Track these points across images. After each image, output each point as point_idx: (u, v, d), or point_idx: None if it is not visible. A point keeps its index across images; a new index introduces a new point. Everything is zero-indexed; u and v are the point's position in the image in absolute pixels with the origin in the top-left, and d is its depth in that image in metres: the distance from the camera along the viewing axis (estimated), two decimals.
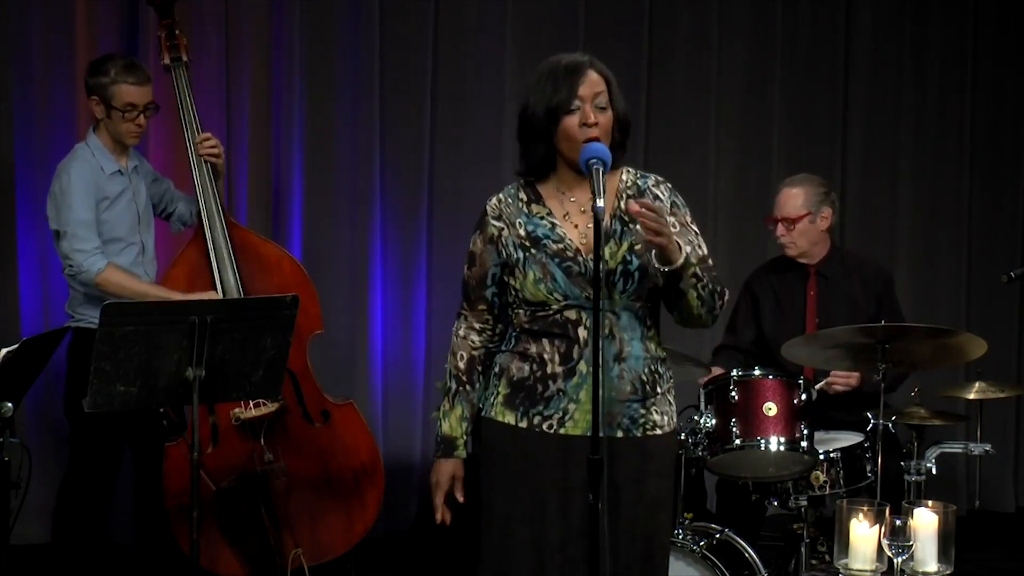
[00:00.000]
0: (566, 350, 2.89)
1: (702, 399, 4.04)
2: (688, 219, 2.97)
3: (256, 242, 4.37)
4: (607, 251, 2.85)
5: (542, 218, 2.95)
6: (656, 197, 2.95)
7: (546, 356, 2.91)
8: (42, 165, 4.83)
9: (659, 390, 2.94)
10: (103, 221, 4.12)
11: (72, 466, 4.19)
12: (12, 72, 4.94)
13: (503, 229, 2.97)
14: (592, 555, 2.75)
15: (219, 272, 4.20)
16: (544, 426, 2.91)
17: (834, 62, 6.24)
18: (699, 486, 4.39)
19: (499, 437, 2.96)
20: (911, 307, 5.67)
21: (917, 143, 6.37)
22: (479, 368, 3.03)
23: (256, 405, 4.12)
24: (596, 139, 2.84)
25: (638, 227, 2.76)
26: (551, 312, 2.90)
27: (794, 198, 4.52)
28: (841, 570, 2.83)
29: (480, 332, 3.03)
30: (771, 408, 3.91)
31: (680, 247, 2.79)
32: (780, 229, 4.54)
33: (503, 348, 3.00)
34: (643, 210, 2.69)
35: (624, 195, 2.94)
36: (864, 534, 2.79)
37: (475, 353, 3.03)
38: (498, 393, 2.97)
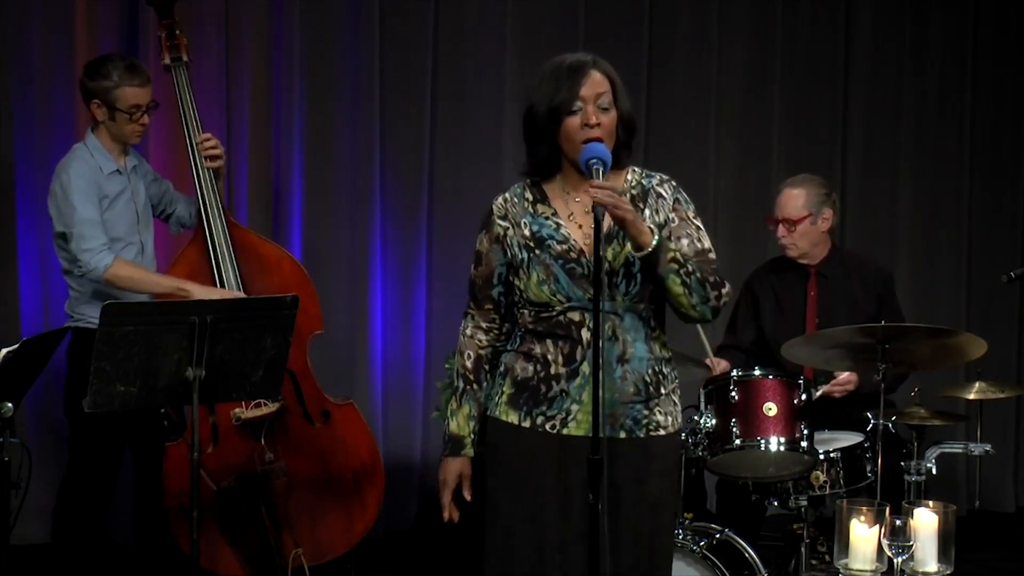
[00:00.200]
0: (569, 351, 2.89)
1: (702, 399, 4.04)
2: (691, 215, 2.97)
3: (256, 242, 4.37)
4: (610, 252, 2.85)
5: (547, 218, 2.95)
6: (659, 196, 2.95)
7: (550, 357, 2.91)
8: (42, 165, 4.83)
9: (663, 391, 2.94)
10: (103, 221, 4.12)
11: (72, 466, 4.19)
12: (12, 72, 4.94)
13: (508, 229, 2.97)
14: (592, 555, 2.75)
15: (219, 272, 4.20)
16: (547, 426, 2.92)
17: (834, 62, 6.24)
18: (699, 486, 4.39)
19: (503, 436, 2.97)
20: (911, 307, 5.67)
21: (917, 143, 6.37)
22: (486, 367, 3.03)
23: (256, 405, 4.12)
24: (597, 139, 2.83)
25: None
26: (554, 313, 2.91)
27: (795, 199, 4.52)
28: (841, 570, 2.83)
29: (487, 331, 3.04)
30: (771, 408, 3.91)
31: (652, 231, 2.79)
32: (781, 230, 4.54)
33: (508, 348, 3.01)
34: (598, 190, 2.70)
35: (628, 195, 2.94)
36: (864, 534, 2.79)
37: (482, 352, 3.03)
38: (502, 392, 2.98)
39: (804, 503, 4.07)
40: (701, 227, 2.97)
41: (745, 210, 6.01)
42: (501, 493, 2.96)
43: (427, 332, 5.61)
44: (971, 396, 4.29)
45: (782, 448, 3.90)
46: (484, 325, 3.04)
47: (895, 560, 2.77)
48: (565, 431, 2.90)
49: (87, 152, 4.17)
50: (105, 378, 3.24)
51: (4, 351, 3.45)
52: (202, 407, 3.72)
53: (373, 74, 5.45)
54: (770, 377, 3.99)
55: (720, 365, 4.33)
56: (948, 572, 2.81)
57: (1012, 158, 6.54)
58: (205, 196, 4.25)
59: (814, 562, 4.09)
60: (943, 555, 2.81)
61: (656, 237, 2.79)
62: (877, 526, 2.79)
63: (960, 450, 4.36)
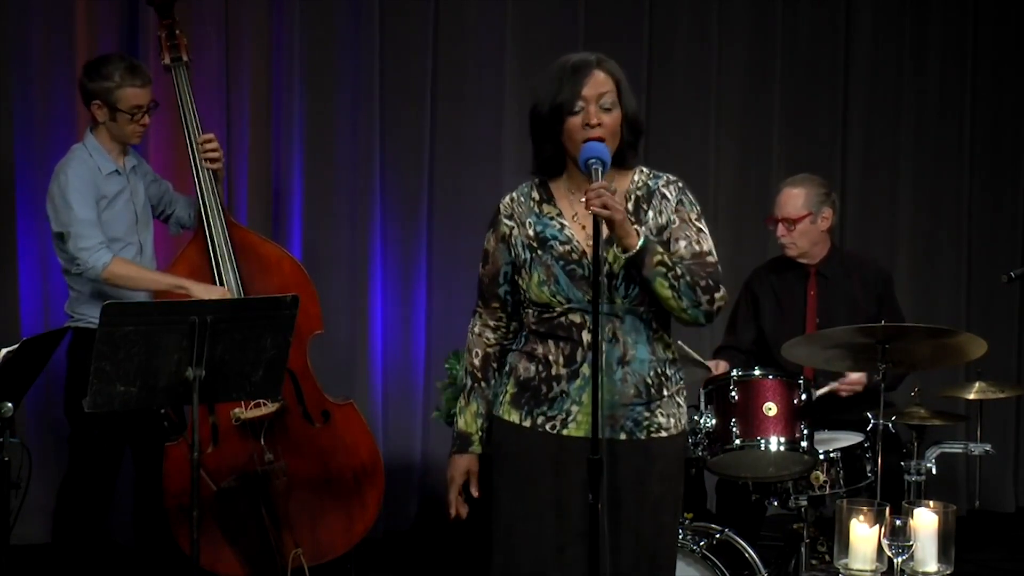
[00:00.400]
0: (570, 352, 2.90)
1: (702, 399, 4.04)
2: (693, 217, 2.96)
3: (256, 242, 4.37)
4: (611, 254, 2.85)
5: (552, 218, 2.95)
6: (664, 197, 2.95)
7: (551, 358, 2.92)
8: (42, 165, 4.83)
9: (665, 393, 2.94)
10: (101, 221, 4.12)
11: (72, 466, 4.19)
12: (12, 72, 4.94)
13: (514, 228, 2.97)
14: (591, 555, 2.75)
15: (219, 272, 4.20)
16: (547, 426, 2.92)
17: (834, 62, 6.24)
18: (699, 486, 4.38)
19: (505, 435, 2.98)
20: (911, 307, 5.67)
21: (917, 143, 6.37)
22: (494, 365, 3.05)
23: (256, 405, 4.12)
24: (598, 139, 2.83)
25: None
26: (555, 314, 2.91)
27: (795, 198, 4.52)
28: (841, 570, 2.83)
29: (495, 329, 3.05)
30: (771, 408, 3.91)
31: (639, 233, 2.79)
32: (781, 229, 4.54)
33: (514, 347, 3.02)
34: (591, 192, 2.71)
35: (634, 196, 2.94)
36: (864, 534, 2.79)
37: (490, 350, 3.05)
38: (506, 392, 2.99)
39: (804, 503, 4.07)
40: (703, 229, 2.96)
41: (745, 210, 6.01)
42: (504, 492, 2.97)
43: (427, 332, 5.61)
44: (971, 396, 4.29)
45: (782, 448, 3.90)
46: (492, 323, 3.05)
47: (895, 560, 2.77)
48: (565, 432, 2.91)
49: (86, 153, 4.17)
50: (105, 378, 3.24)
51: (4, 351, 3.45)
52: (202, 407, 3.72)
53: (373, 74, 5.45)
54: (770, 377, 3.98)
55: (719, 367, 4.33)
56: (948, 572, 2.81)
57: (1012, 158, 6.54)
58: (205, 196, 4.25)
59: (814, 562, 4.09)
60: (943, 555, 2.81)
61: (642, 239, 2.79)
62: (877, 526, 2.79)
63: (960, 450, 4.36)
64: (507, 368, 3.01)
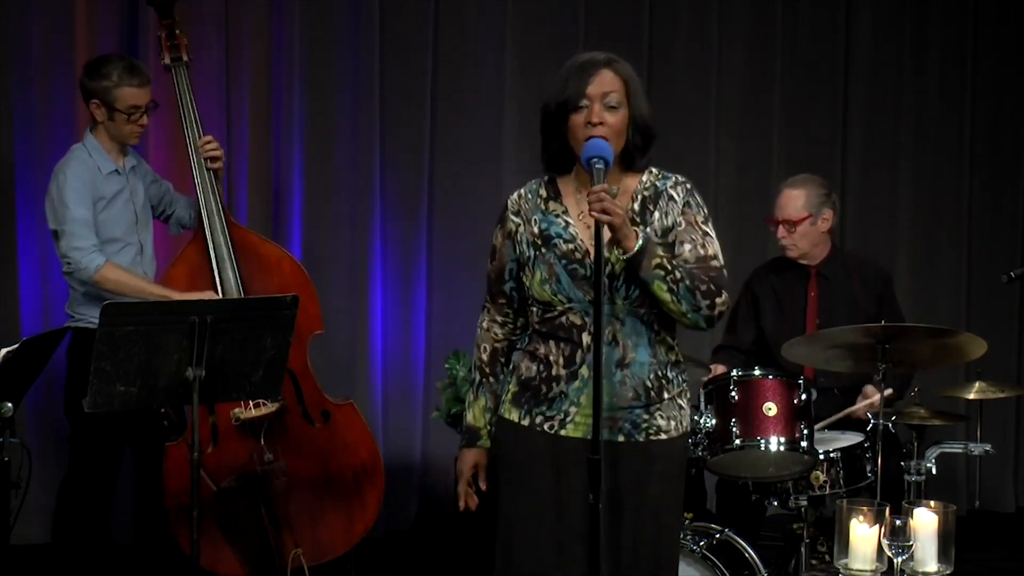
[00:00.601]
0: (570, 353, 2.90)
1: (702, 399, 4.04)
2: (699, 220, 2.95)
3: (256, 242, 4.37)
4: (613, 255, 2.85)
5: (557, 216, 2.95)
6: (671, 198, 2.95)
7: (552, 358, 2.92)
8: (42, 165, 4.82)
9: (666, 395, 2.94)
10: (100, 221, 4.12)
11: (72, 466, 4.19)
12: (12, 72, 4.94)
13: (520, 225, 2.98)
14: (591, 555, 2.75)
15: (219, 272, 4.20)
16: (545, 426, 2.93)
17: (834, 62, 6.24)
18: (699, 486, 4.39)
19: (506, 434, 2.99)
20: (911, 307, 5.67)
21: (917, 143, 6.37)
22: (502, 360, 3.06)
23: (256, 405, 4.13)
24: (600, 137, 2.83)
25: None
26: (556, 314, 2.91)
27: (795, 200, 4.52)
28: (841, 570, 2.83)
29: (502, 325, 3.05)
30: (771, 408, 3.91)
31: (637, 235, 2.79)
32: (781, 231, 4.54)
33: (519, 346, 3.02)
34: (592, 195, 2.71)
35: (640, 196, 2.94)
36: (864, 534, 2.79)
37: (498, 345, 3.06)
38: (508, 391, 3.00)
39: (804, 503, 4.07)
40: (709, 233, 2.95)
41: (745, 210, 6.01)
42: (504, 490, 2.98)
43: (427, 332, 5.61)
44: (971, 396, 4.28)
45: (782, 448, 3.90)
46: (499, 319, 3.06)
47: (895, 560, 2.77)
48: (563, 432, 2.91)
49: (85, 152, 4.17)
50: (105, 378, 3.24)
51: (4, 351, 3.45)
52: (202, 407, 3.73)
53: (373, 74, 5.45)
54: (770, 377, 3.98)
55: (716, 370, 4.32)
56: (948, 572, 2.81)
57: (1012, 158, 6.54)
58: (205, 196, 4.25)
59: (814, 562, 4.09)
60: (943, 555, 2.81)
61: (640, 241, 2.79)
62: (877, 526, 2.79)
63: (960, 450, 4.36)
64: (511, 367, 3.02)
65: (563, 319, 2.90)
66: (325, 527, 4.26)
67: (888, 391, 4.08)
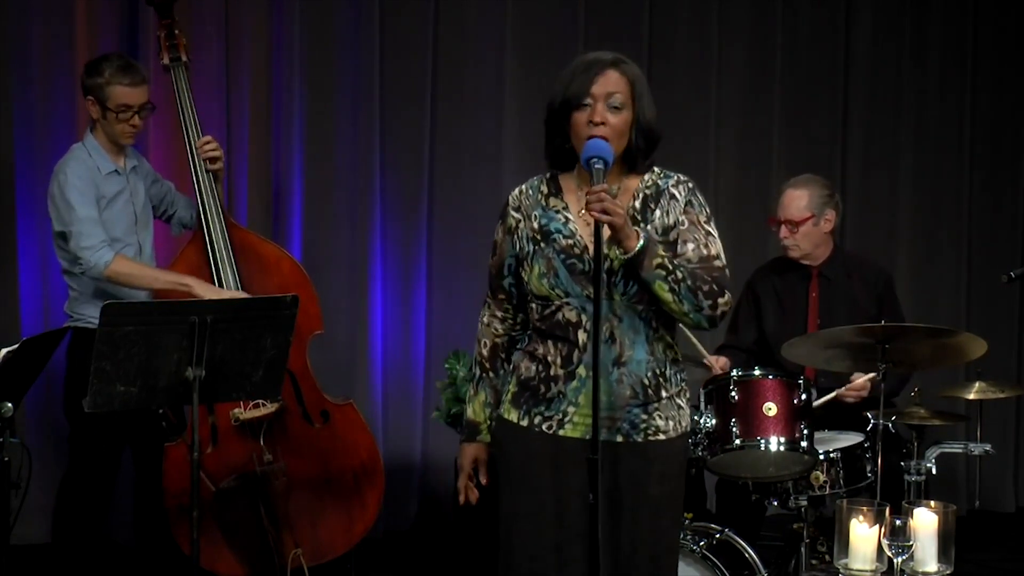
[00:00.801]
0: (567, 353, 2.90)
1: (702, 399, 4.04)
2: (702, 219, 2.95)
3: (256, 242, 4.37)
4: (612, 251, 2.85)
5: (557, 212, 2.95)
6: (672, 197, 2.95)
7: (550, 358, 2.92)
8: (42, 165, 4.82)
9: (664, 394, 2.93)
10: (101, 221, 4.12)
11: (72, 466, 4.19)
12: (12, 72, 4.94)
13: (520, 221, 2.98)
14: (591, 555, 2.75)
15: (218, 272, 4.20)
16: (544, 426, 2.93)
17: (834, 62, 6.24)
18: (699, 486, 4.39)
19: (505, 434, 3.00)
20: (911, 307, 5.67)
21: (917, 143, 6.37)
22: (502, 355, 3.07)
23: (255, 406, 4.12)
24: (601, 137, 2.83)
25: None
26: (553, 309, 2.91)
27: (798, 200, 4.51)
28: (841, 570, 2.83)
29: (502, 320, 3.06)
30: (771, 408, 3.91)
31: (638, 234, 2.79)
32: (783, 231, 4.54)
33: (519, 346, 3.03)
34: (591, 195, 2.71)
35: (642, 194, 2.94)
36: (864, 534, 2.80)
37: (498, 340, 3.06)
38: (508, 391, 3.00)
39: (804, 503, 4.07)
40: (712, 233, 2.95)
41: (745, 210, 6.01)
42: (504, 490, 2.99)
43: (427, 332, 5.61)
44: (971, 396, 4.28)
45: (782, 448, 3.90)
46: (499, 315, 3.06)
47: (895, 560, 2.77)
48: (561, 432, 2.91)
49: (85, 152, 4.17)
50: (105, 378, 3.24)
51: (4, 351, 3.45)
52: (201, 407, 3.72)
53: (373, 74, 5.45)
54: (770, 377, 3.98)
55: (719, 362, 4.33)
56: (948, 572, 2.81)
57: (1012, 158, 6.54)
58: (203, 196, 4.25)
59: (814, 562, 4.09)
60: (943, 555, 2.81)
61: (641, 241, 2.78)
62: (877, 526, 2.79)
63: (960, 450, 4.36)
64: (511, 366, 3.03)
65: (559, 315, 2.90)
66: (325, 527, 4.26)
67: (871, 375, 4.08)
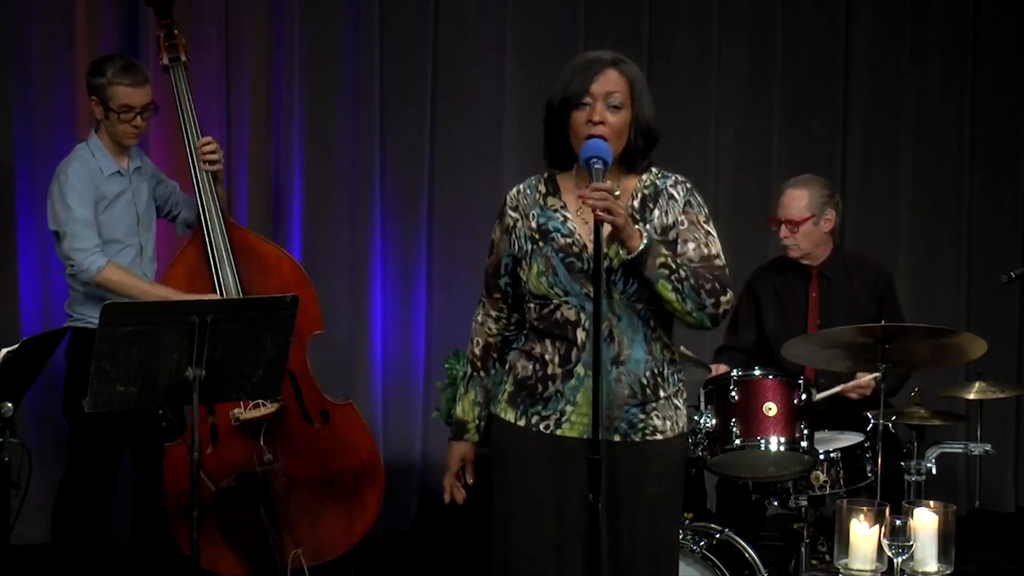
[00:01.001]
0: (565, 352, 2.90)
1: (702, 399, 4.04)
2: (701, 219, 2.95)
3: (255, 242, 4.37)
4: (612, 250, 2.85)
5: (556, 211, 2.95)
6: (671, 197, 2.95)
7: (547, 357, 2.92)
8: (42, 165, 4.83)
9: (662, 394, 2.93)
10: (101, 222, 4.12)
11: (71, 466, 4.19)
12: (12, 72, 4.94)
13: (518, 220, 2.98)
14: (592, 556, 2.75)
15: (218, 272, 4.20)
16: (541, 426, 2.92)
17: (834, 62, 6.24)
18: (699, 486, 4.39)
19: (502, 434, 2.99)
20: (911, 307, 5.67)
21: (917, 143, 6.37)
22: (495, 355, 3.07)
23: (255, 406, 4.12)
24: (600, 137, 2.83)
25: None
26: (552, 308, 2.91)
27: (798, 200, 4.51)
28: (841, 570, 2.83)
29: (496, 320, 3.06)
30: (771, 408, 3.91)
31: (641, 234, 2.79)
32: (784, 231, 4.54)
33: (515, 346, 3.02)
34: (590, 192, 2.70)
35: (640, 194, 2.94)
36: (864, 534, 2.79)
37: (491, 340, 3.06)
38: (505, 391, 2.99)
39: (804, 503, 4.07)
40: (711, 232, 2.95)
41: (745, 210, 6.01)
42: (501, 490, 2.98)
43: (427, 332, 5.61)
44: (971, 396, 4.28)
45: (782, 448, 3.90)
46: (493, 314, 3.06)
47: (895, 560, 2.77)
48: (559, 432, 2.91)
49: (88, 152, 4.17)
50: (105, 378, 3.24)
51: (4, 351, 3.45)
52: (201, 407, 3.72)
53: (373, 74, 5.45)
54: (770, 377, 3.98)
55: (718, 370, 4.32)
56: (948, 572, 2.81)
57: (1012, 158, 6.54)
58: (203, 197, 4.25)
59: (814, 562, 4.09)
60: (943, 555, 2.81)
61: (644, 241, 2.78)
62: (877, 526, 2.79)
63: (960, 450, 4.36)
64: (507, 366, 3.02)
65: (558, 314, 2.90)
66: (325, 527, 4.26)
67: (875, 374, 4.09)
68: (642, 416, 2.90)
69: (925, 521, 2.80)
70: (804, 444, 3.91)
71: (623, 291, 2.88)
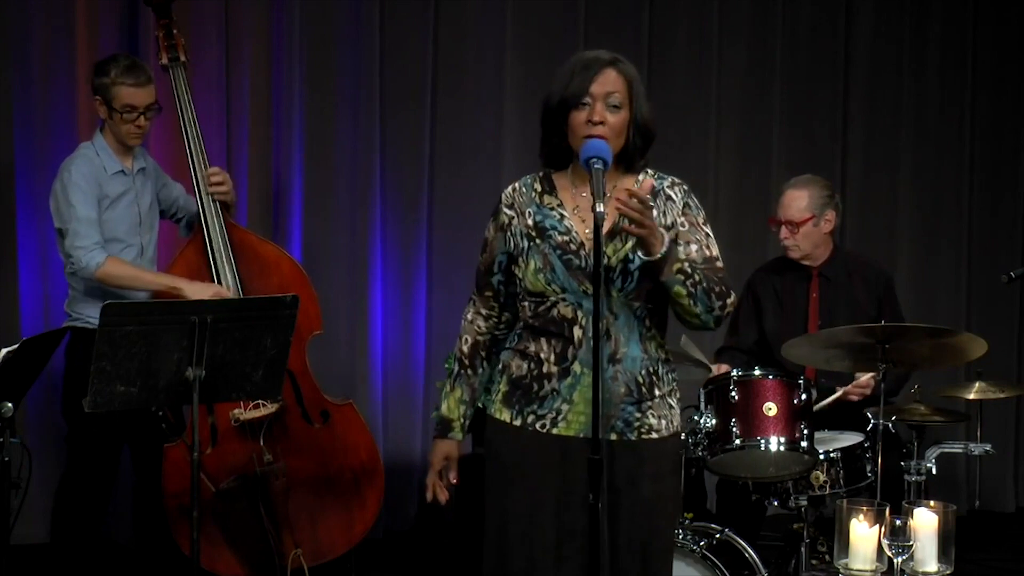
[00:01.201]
0: (562, 350, 2.90)
1: (702, 399, 4.04)
2: (700, 221, 2.96)
3: (255, 242, 4.37)
4: (610, 248, 2.85)
5: (552, 209, 2.95)
6: (669, 198, 2.95)
7: (543, 355, 2.92)
8: (42, 165, 4.83)
9: (657, 393, 2.93)
10: (103, 221, 4.12)
11: (70, 466, 4.19)
12: (12, 73, 4.94)
13: (513, 218, 2.98)
14: (591, 556, 2.75)
15: (218, 272, 4.20)
16: (537, 425, 2.92)
17: (834, 62, 6.24)
18: (699, 486, 4.38)
19: (496, 434, 2.99)
20: (911, 307, 5.67)
21: (917, 143, 6.37)
22: (483, 353, 3.06)
23: (255, 406, 4.12)
24: (599, 137, 2.83)
25: (623, 220, 2.74)
26: (548, 305, 2.90)
27: (798, 200, 4.51)
28: (841, 570, 2.83)
29: (486, 318, 3.05)
30: (771, 408, 3.91)
31: (663, 239, 2.79)
32: (784, 231, 4.54)
33: (508, 345, 3.01)
34: (628, 199, 2.68)
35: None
36: (864, 534, 2.79)
37: (480, 338, 3.05)
38: (499, 390, 2.99)
39: (804, 503, 4.07)
40: (710, 234, 2.96)
41: (745, 210, 6.01)
42: (495, 490, 2.98)
43: (427, 332, 5.61)
44: (971, 396, 4.28)
45: (782, 448, 3.90)
46: (484, 312, 3.06)
47: (895, 560, 2.77)
48: (555, 431, 2.91)
49: (93, 151, 4.18)
50: (105, 378, 3.24)
51: (4, 351, 3.45)
52: (201, 408, 3.72)
53: (373, 74, 5.45)
54: (770, 377, 3.98)
55: (720, 370, 4.32)
56: (948, 572, 2.81)
57: (1012, 158, 6.55)
58: (203, 197, 4.25)
59: (814, 562, 4.09)
60: (943, 555, 2.81)
61: (664, 247, 2.78)
62: (877, 526, 2.79)
63: (960, 450, 4.36)
64: (500, 366, 3.01)
65: (554, 311, 2.90)
66: (325, 527, 4.26)
67: (871, 374, 4.09)
68: (638, 414, 2.90)
69: (925, 521, 2.80)
70: (804, 444, 3.91)
71: (621, 289, 2.88)
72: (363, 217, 5.48)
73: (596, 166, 2.76)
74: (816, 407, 4.08)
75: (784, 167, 5.92)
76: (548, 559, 2.89)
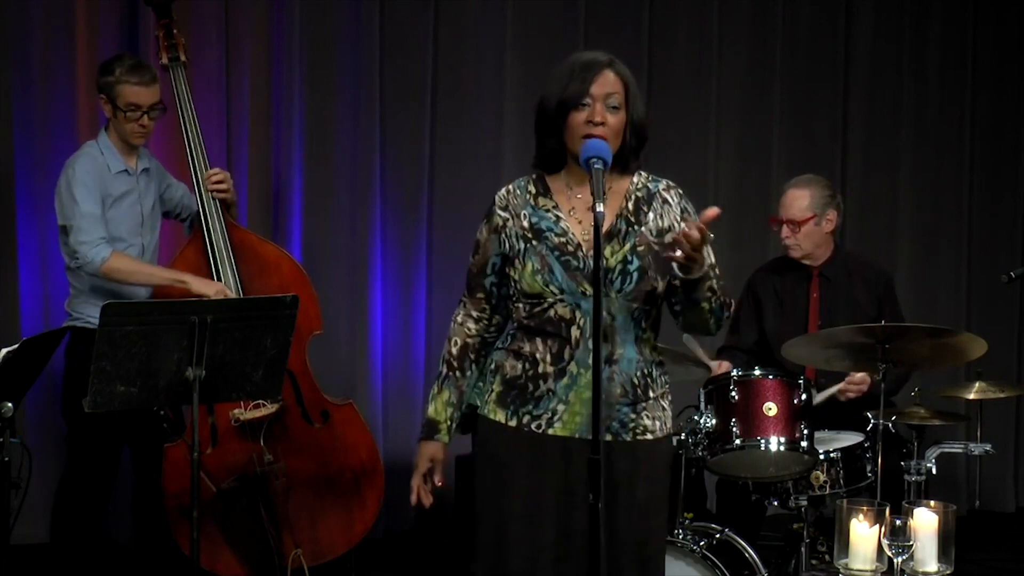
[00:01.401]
0: (558, 350, 2.89)
1: (702, 399, 4.04)
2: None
3: (255, 242, 4.37)
4: (608, 250, 2.85)
5: (547, 211, 2.95)
6: (665, 201, 2.95)
7: (538, 355, 2.91)
8: (42, 165, 4.83)
9: (651, 394, 2.93)
10: (106, 219, 4.12)
11: (70, 466, 4.19)
12: (12, 73, 4.94)
13: (508, 220, 2.97)
14: (591, 556, 2.74)
15: (218, 272, 4.21)
16: (533, 426, 2.92)
17: (834, 62, 6.24)
18: (699, 486, 4.38)
19: (491, 435, 2.98)
20: (911, 307, 5.67)
21: (917, 143, 6.37)
22: (472, 356, 3.05)
23: (255, 406, 4.13)
24: (599, 137, 2.83)
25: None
26: (545, 306, 2.90)
27: (799, 200, 4.51)
28: (841, 570, 2.83)
29: (477, 320, 3.05)
30: (771, 408, 3.91)
31: (704, 262, 2.77)
32: (785, 231, 4.54)
33: (500, 345, 3.01)
34: (694, 232, 2.66)
35: (633, 196, 2.95)
36: (864, 534, 2.79)
37: (469, 340, 3.05)
38: (492, 391, 2.98)
39: (804, 503, 4.07)
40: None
41: (745, 210, 6.01)
42: (489, 491, 2.97)
43: (427, 332, 5.61)
44: (971, 396, 4.28)
45: (782, 448, 3.90)
46: (475, 314, 3.05)
47: (895, 560, 2.77)
48: (551, 431, 2.90)
49: (97, 150, 4.19)
50: (105, 378, 3.24)
51: (4, 351, 3.45)
52: (201, 407, 3.72)
53: (373, 74, 5.45)
54: (770, 377, 3.98)
55: (722, 367, 4.32)
56: (948, 572, 2.81)
57: (1012, 158, 6.55)
58: (203, 196, 4.26)
59: (814, 562, 4.09)
60: (943, 555, 2.81)
61: (705, 268, 2.77)
62: (877, 526, 2.79)
63: (960, 450, 4.36)
64: (492, 367, 3.00)
65: (551, 312, 2.89)
66: (325, 527, 4.26)
67: (864, 373, 4.10)
68: (633, 415, 2.91)
69: (925, 521, 2.80)
70: (804, 444, 3.91)
71: (619, 290, 2.88)
72: (363, 217, 5.48)
73: (596, 166, 2.76)
74: (814, 402, 4.09)
75: (784, 167, 5.92)
76: (547, 559, 2.88)
